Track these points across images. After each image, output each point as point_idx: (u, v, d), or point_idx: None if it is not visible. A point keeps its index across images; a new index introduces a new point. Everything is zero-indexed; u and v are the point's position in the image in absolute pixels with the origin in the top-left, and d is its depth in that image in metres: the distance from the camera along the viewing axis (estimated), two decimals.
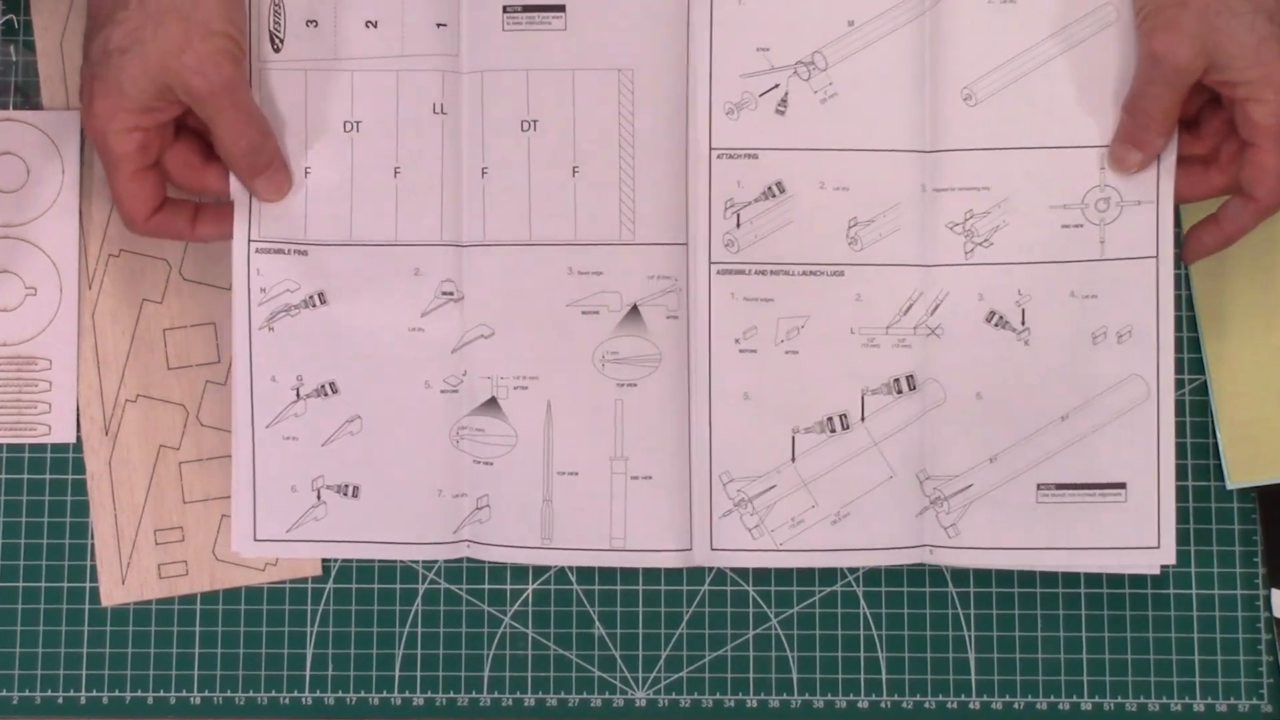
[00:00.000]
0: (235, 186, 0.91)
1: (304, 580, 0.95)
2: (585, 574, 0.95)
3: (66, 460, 0.95)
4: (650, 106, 0.93)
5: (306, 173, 0.93)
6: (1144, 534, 0.91)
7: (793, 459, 0.92)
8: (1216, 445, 0.95)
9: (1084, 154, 0.92)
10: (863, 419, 0.93)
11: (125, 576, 0.94)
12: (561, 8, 0.92)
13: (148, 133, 0.87)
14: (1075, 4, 0.93)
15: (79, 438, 0.95)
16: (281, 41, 0.93)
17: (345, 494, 0.93)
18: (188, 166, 0.90)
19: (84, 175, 0.96)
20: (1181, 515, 0.93)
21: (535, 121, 0.92)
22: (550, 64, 0.92)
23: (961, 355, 0.92)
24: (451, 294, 0.93)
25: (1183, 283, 0.96)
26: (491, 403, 0.92)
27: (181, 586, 0.94)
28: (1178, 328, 0.96)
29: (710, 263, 0.93)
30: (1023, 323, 0.92)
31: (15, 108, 0.96)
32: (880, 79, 0.92)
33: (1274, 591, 0.95)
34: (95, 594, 0.94)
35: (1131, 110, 0.90)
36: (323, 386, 0.93)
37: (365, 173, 0.93)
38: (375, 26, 0.93)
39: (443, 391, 0.93)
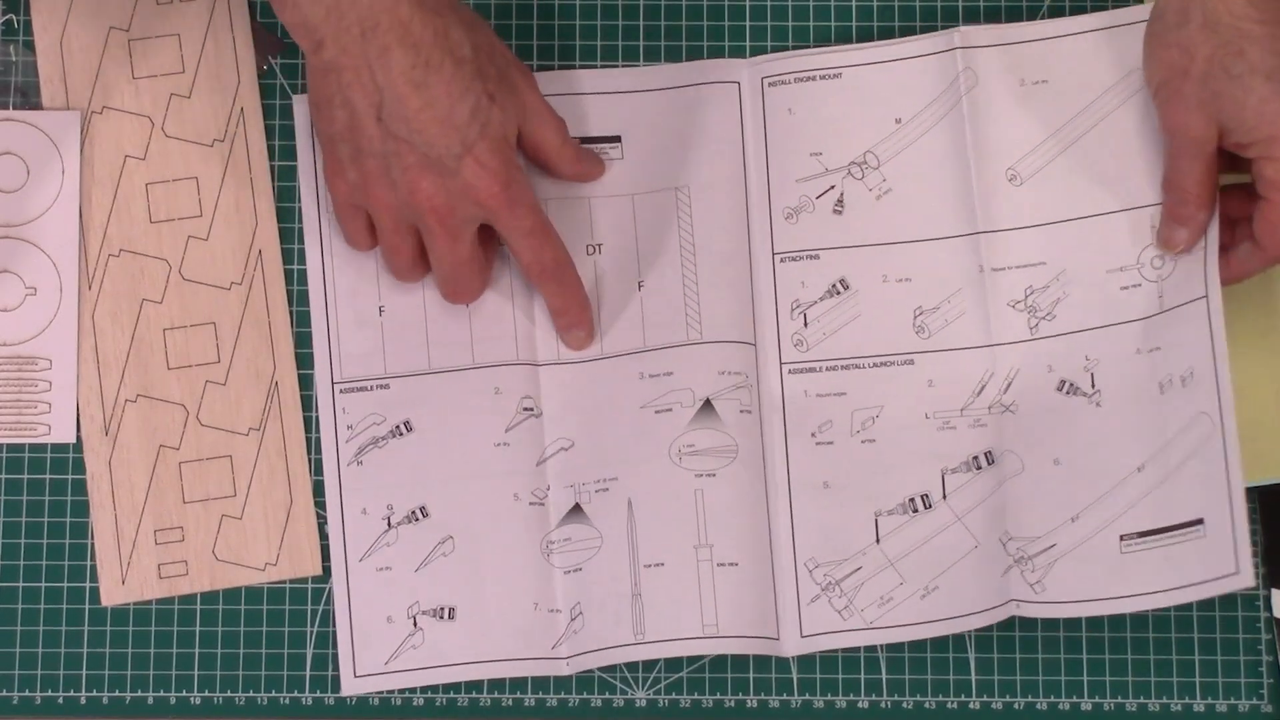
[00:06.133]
0: (317, 330, 0.94)
1: (304, 580, 0.94)
2: None
3: (66, 460, 0.95)
4: (708, 216, 0.94)
5: (381, 311, 0.94)
6: (1224, 563, 0.90)
7: (877, 540, 0.93)
8: None
9: (1134, 215, 0.93)
10: (944, 497, 0.93)
11: (125, 576, 0.94)
12: (618, 138, 0.94)
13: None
14: (1103, 75, 0.94)
15: (79, 438, 0.95)
16: None
17: (441, 617, 0.92)
18: None
19: (84, 175, 0.96)
20: None
21: (600, 245, 0.94)
22: (611, 190, 0.93)
23: (1037, 426, 0.93)
24: (531, 410, 0.93)
25: None
26: (575, 510, 0.92)
27: (181, 586, 0.94)
28: None
29: (781, 363, 0.94)
30: (1093, 386, 0.93)
31: (15, 108, 0.96)
32: (929, 170, 0.94)
33: (1274, 591, 0.95)
34: (95, 594, 0.94)
35: (1168, 188, 0.91)
36: (413, 512, 0.93)
37: (439, 304, 0.94)
38: None
39: (530, 504, 0.93)
